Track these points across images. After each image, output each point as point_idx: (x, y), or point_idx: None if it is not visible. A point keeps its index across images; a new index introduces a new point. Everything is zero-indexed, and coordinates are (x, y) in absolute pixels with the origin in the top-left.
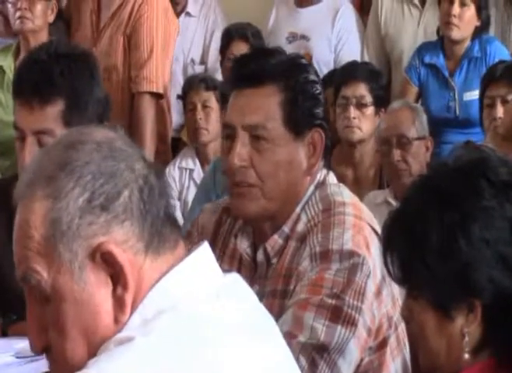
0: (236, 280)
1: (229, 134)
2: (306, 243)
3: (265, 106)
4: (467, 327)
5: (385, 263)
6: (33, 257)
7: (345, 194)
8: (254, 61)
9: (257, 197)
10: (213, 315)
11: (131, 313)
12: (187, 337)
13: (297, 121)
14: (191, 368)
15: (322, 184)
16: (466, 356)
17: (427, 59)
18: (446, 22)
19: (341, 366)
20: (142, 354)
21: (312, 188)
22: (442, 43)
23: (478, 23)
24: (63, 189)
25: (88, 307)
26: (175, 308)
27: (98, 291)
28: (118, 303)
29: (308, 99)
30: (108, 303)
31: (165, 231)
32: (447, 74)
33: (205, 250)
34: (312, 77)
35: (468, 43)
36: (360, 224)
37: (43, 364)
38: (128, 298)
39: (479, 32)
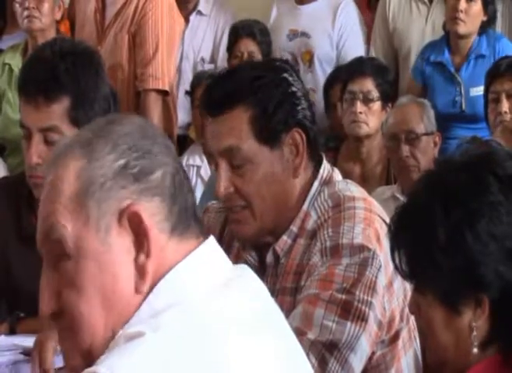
0: (244, 273)
1: (212, 161)
2: (316, 239)
3: (235, 128)
4: (475, 321)
5: (393, 259)
6: (61, 211)
7: (353, 189)
8: (217, 89)
9: (249, 220)
10: (221, 311)
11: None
12: (195, 334)
13: (271, 131)
14: (199, 365)
15: (329, 181)
16: (475, 350)
17: (432, 58)
18: (452, 17)
19: (353, 362)
20: (152, 351)
21: (316, 184)
22: (447, 38)
23: (484, 18)
24: (99, 153)
25: (108, 268)
26: (184, 302)
27: (120, 255)
28: (139, 271)
29: (280, 103)
30: (129, 270)
31: (190, 223)
32: (452, 69)
33: (211, 244)
34: (283, 76)
35: (474, 38)
36: (371, 217)
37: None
38: (150, 267)
39: (486, 27)
